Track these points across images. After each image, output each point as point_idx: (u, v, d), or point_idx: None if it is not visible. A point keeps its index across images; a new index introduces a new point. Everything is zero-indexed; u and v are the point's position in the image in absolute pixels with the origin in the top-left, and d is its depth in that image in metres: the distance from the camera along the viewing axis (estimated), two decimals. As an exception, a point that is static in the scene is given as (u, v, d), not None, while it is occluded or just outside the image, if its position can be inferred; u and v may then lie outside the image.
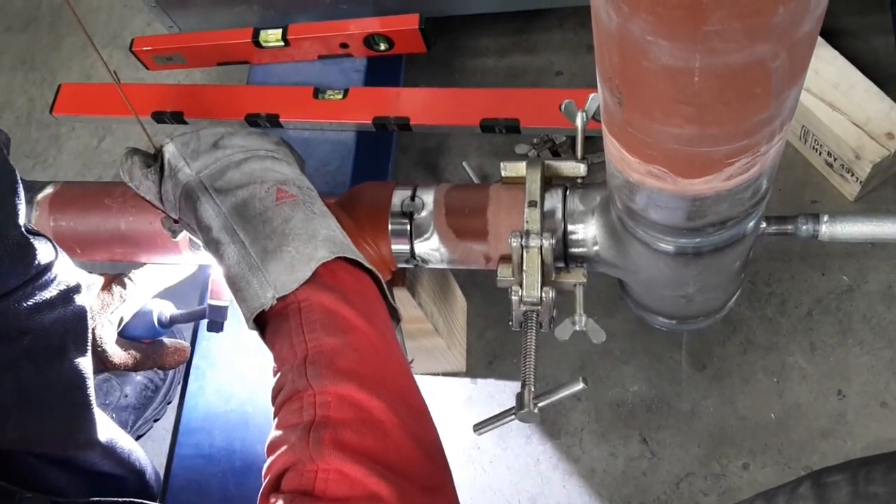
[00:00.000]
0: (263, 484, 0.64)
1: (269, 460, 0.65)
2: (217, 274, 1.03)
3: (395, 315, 0.81)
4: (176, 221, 0.84)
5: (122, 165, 0.82)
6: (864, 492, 0.63)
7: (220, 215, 0.75)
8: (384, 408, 0.65)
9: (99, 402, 0.88)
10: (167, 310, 1.10)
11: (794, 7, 0.46)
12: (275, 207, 0.75)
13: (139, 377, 1.37)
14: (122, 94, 0.81)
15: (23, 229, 0.73)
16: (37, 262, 0.74)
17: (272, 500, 0.61)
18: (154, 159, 0.82)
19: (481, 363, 1.36)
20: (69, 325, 0.80)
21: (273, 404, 0.69)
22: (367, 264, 0.76)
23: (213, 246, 0.76)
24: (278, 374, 0.70)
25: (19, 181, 0.74)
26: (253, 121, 1.32)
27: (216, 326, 1.05)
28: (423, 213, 0.93)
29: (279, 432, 0.66)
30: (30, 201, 1.01)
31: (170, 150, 0.80)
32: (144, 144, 0.84)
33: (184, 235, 0.86)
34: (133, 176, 0.82)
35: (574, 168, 0.91)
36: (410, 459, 0.65)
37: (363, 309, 0.72)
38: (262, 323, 0.74)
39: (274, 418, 0.68)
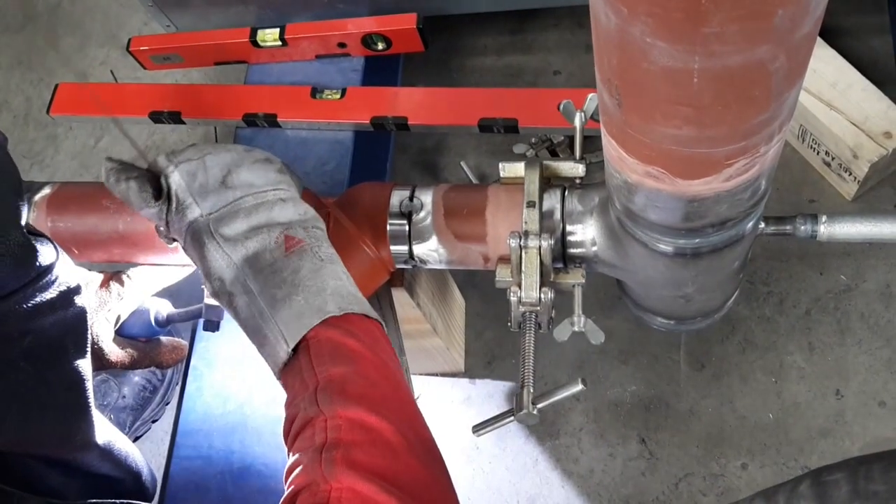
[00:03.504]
0: None
1: (285, 486, 0.66)
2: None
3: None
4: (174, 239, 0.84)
5: (112, 185, 0.80)
6: (864, 490, 0.64)
7: (232, 267, 0.76)
8: (393, 430, 0.67)
9: (96, 402, 0.88)
10: (164, 309, 1.10)
11: (794, 9, 0.46)
12: (284, 259, 0.76)
13: (137, 378, 1.37)
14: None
15: (24, 230, 0.73)
16: (38, 263, 0.74)
17: None
18: (152, 184, 0.80)
19: (480, 363, 1.36)
20: (69, 326, 0.80)
21: (286, 439, 0.70)
22: (372, 315, 0.78)
23: (224, 297, 0.77)
24: (289, 408, 0.71)
25: (21, 181, 0.73)
26: (251, 120, 1.32)
27: (212, 326, 1.04)
28: (422, 214, 0.93)
29: (293, 457, 0.67)
30: (27, 202, 1.01)
31: (176, 182, 0.79)
32: (142, 144, 0.83)
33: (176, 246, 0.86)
34: (132, 202, 0.80)
35: (572, 168, 0.91)
36: (418, 480, 0.66)
37: (369, 342, 0.74)
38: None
39: (288, 452, 0.69)
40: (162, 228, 0.83)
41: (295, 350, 0.73)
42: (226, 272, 0.76)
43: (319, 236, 0.80)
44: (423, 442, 0.71)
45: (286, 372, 0.74)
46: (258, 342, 0.75)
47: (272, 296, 0.74)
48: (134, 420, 1.36)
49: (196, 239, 0.78)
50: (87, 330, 0.83)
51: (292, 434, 0.69)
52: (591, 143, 1.35)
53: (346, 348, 0.72)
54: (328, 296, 0.75)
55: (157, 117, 1.37)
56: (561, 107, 0.94)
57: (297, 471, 0.65)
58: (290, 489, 0.64)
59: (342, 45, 1.34)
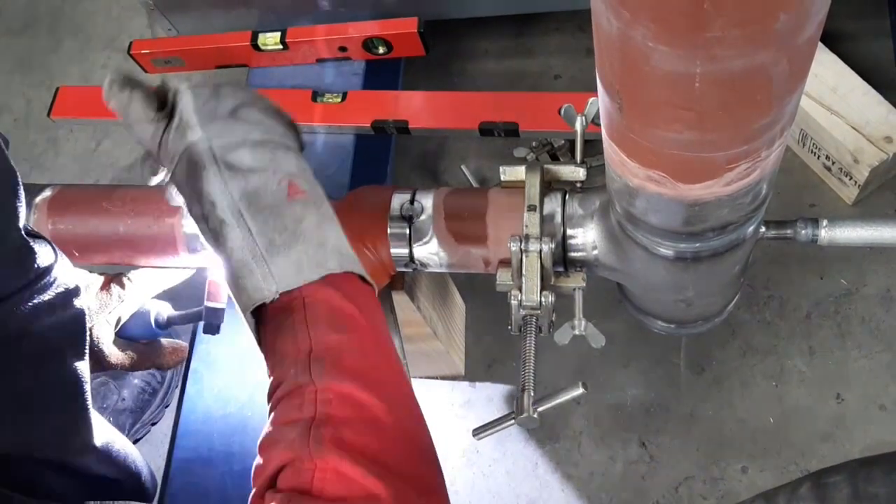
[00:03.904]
0: (256, 479, 0.63)
1: (262, 457, 0.64)
2: (215, 276, 1.03)
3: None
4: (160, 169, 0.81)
5: (115, 93, 0.76)
6: (865, 492, 0.64)
7: (227, 195, 0.72)
8: (384, 409, 0.65)
9: (96, 405, 0.88)
10: (164, 311, 1.10)
11: (796, 13, 0.46)
12: (286, 203, 0.73)
13: (136, 380, 1.37)
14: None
15: (23, 232, 0.73)
16: (36, 265, 0.74)
17: (268, 499, 0.61)
18: (157, 99, 0.77)
19: (480, 367, 1.36)
20: (67, 328, 0.80)
21: (269, 400, 0.68)
22: (368, 278, 0.76)
23: (214, 222, 0.73)
24: (276, 368, 0.69)
25: (20, 183, 0.73)
26: (251, 124, 1.32)
27: (213, 329, 1.04)
28: (423, 217, 0.93)
29: (275, 428, 0.65)
30: (28, 204, 1.01)
31: (184, 101, 0.76)
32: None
33: (160, 179, 0.83)
34: (129, 112, 0.76)
35: (573, 172, 0.91)
36: (408, 461, 0.65)
37: (366, 310, 0.72)
38: (258, 317, 0.73)
39: (270, 413, 0.67)
40: (153, 152, 0.79)
41: (289, 300, 0.70)
42: (220, 197, 0.72)
43: (321, 194, 0.78)
44: (415, 422, 0.70)
45: (274, 328, 0.71)
46: (240, 275, 0.71)
47: (270, 240, 0.71)
48: (133, 422, 1.36)
49: (193, 162, 0.74)
50: (85, 332, 0.83)
51: (277, 396, 0.67)
52: (592, 146, 1.34)
53: (343, 314, 0.70)
54: (329, 252, 0.72)
55: (157, 120, 1.37)
56: (562, 111, 0.94)
57: (280, 446, 0.63)
58: (272, 463, 0.62)
59: (343, 48, 1.34)
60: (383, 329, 0.74)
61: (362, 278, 0.76)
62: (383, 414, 0.65)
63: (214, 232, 0.73)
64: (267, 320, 0.72)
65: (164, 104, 0.77)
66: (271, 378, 0.69)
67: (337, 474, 0.60)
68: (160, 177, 0.82)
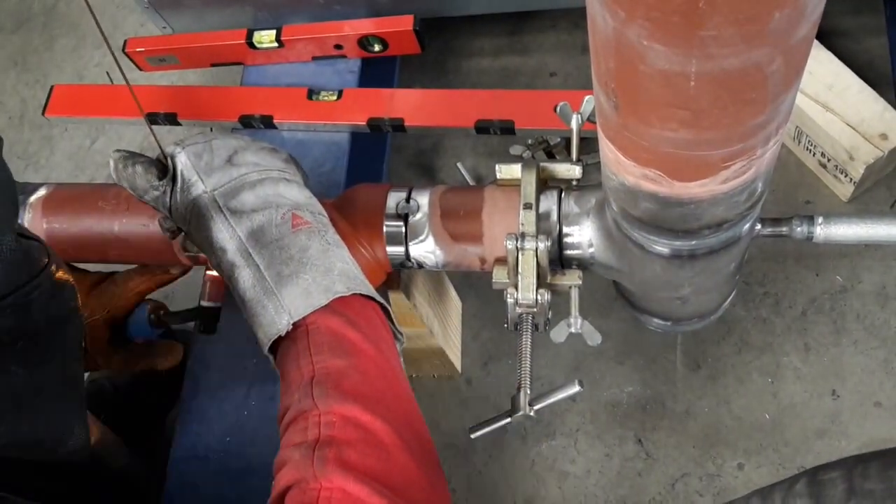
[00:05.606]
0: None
1: (274, 478, 0.66)
2: (212, 275, 1.03)
3: (397, 337, 0.82)
4: (179, 230, 0.84)
5: (119, 171, 0.80)
6: (861, 488, 0.64)
7: (235, 238, 0.76)
8: (387, 430, 0.67)
9: (90, 404, 0.88)
10: (160, 310, 1.10)
11: (791, 12, 0.46)
12: (291, 235, 0.76)
13: (132, 379, 1.36)
14: (133, 94, 0.80)
15: (16, 234, 0.73)
16: (31, 266, 0.74)
17: None
18: (158, 167, 0.81)
19: (476, 365, 1.36)
20: (62, 329, 0.80)
21: (279, 425, 0.70)
22: (377, 298, 0.78)
23: (226, 267, 0.76)
24: (284, 395, 0.71)
25: (14, 185, 0.73)
26: (247, 122, 1.31)
27: (209, 328, 1.04)
28: (419, 216, 0.93)
29: (283, 450, 0.67)
30: (22, 203, 1.01)
31: (182, 162, 0.80)
32: (137, 147, 0.83)
33: (182, 237, 0.86)
34: (136, 185, 0.81)
35: (569, 170, 0.91)
36: (412, 481, 0.66)
37: (369, 333, 0.74)
38: (273, 346, 0.75)
39: (281, 438, 0.69)
40: (165, 215, 0.83)
41: (293, 329, 0.72)
42: (229, 243, 0.76)
43: (325, 223, 0.81)
44: (419, 441, 0.71)
45: (281, 355, 0.73)
46: (254, 313, 0.74)
47: (278, 272, 0.74)
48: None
49: (201, 215, 0.78)
50: (80, 333, 0.83)
51: (284, 423, 0.69)
52: (588, 144, 1.35)
53: (346, 340, 0.71)
54: (336, 276, 0.75)
55: (153, 119, 1.37)
56: (557, 109, 0.94)
57: (288, 465, 0.64)
58: (279, 484, 0.64)
59: (339, 46, 1.34)
60: (388, 351, 0.76)
61: (375, 300, 0.78)
62: (387, 435, 0.67)
63: (229, 277, 0.76)
64: (280, 352, 0.74)
65: (165, 169, 0.81)
66: (280, 404, 0.71)
67: (343, 493, 0.61)
68: (182, 236, 0.86)
